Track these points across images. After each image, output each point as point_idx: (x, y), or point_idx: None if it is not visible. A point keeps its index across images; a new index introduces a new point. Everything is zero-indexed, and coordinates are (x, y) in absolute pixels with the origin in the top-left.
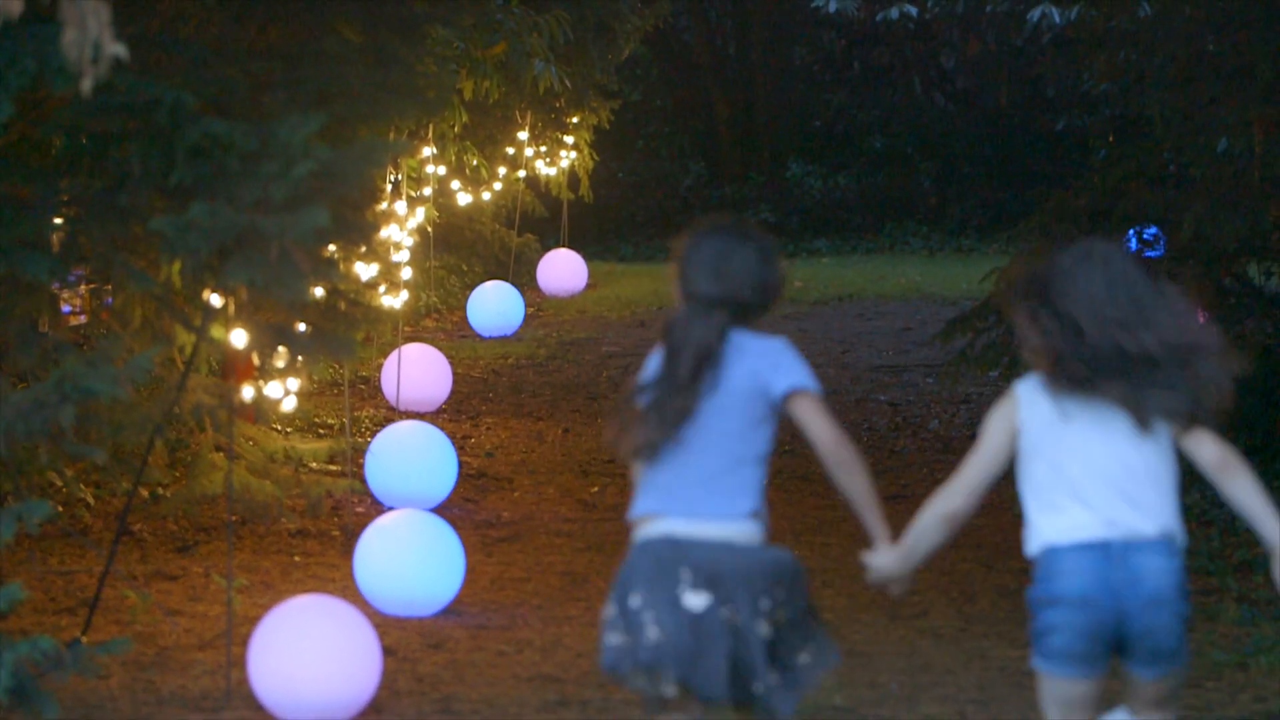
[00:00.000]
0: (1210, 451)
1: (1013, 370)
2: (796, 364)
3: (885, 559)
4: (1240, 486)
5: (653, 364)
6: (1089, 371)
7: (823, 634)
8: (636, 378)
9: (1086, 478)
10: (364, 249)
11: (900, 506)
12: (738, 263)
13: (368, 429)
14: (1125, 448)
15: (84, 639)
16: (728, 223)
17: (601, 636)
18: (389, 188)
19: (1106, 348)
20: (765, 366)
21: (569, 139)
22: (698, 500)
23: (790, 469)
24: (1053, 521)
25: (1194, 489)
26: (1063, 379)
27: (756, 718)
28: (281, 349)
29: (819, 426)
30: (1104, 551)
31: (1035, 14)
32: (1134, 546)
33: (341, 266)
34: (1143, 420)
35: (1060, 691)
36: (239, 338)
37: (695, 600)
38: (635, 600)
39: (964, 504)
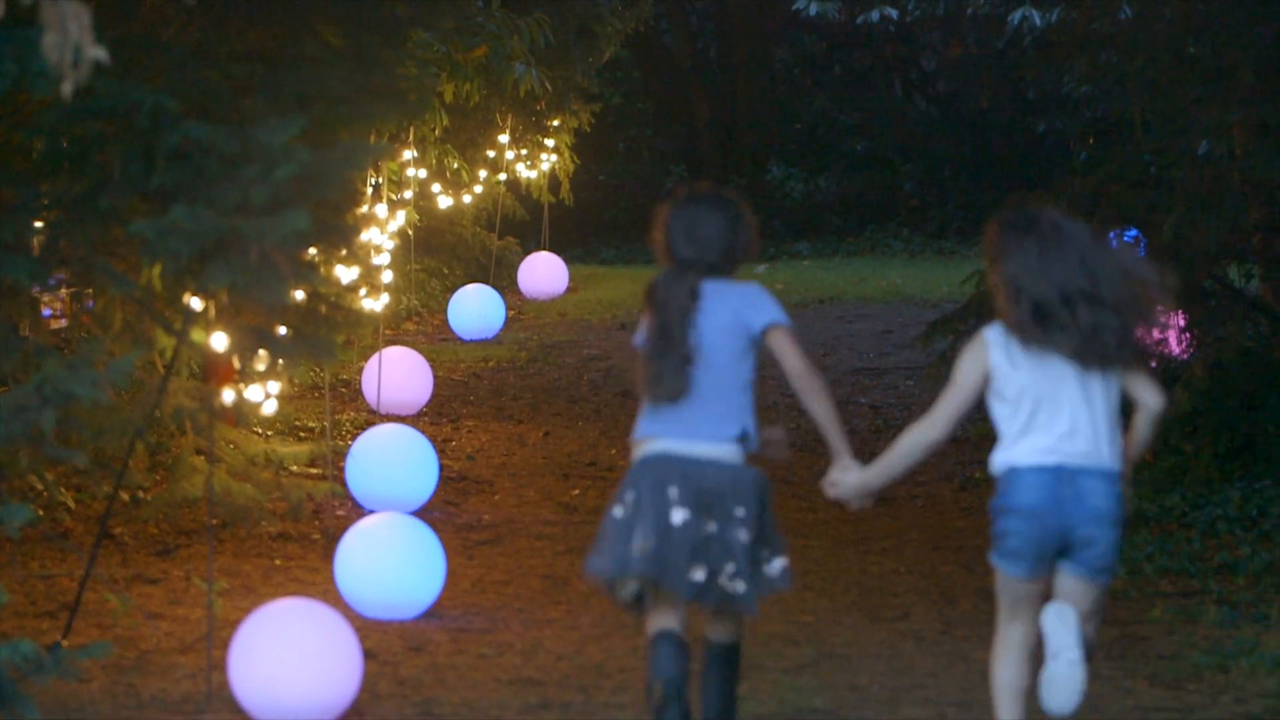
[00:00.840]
0: (1150, 397)
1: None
2: (771, 303)
3: (849, 475)
4: (1148, 435)
5: (644, 322)
6: (1046, 323)
7: (784, 550)
8: (637, 334)
9: (1044, 413)
10: (345, 252)
11: (881, 509)
12: (709, 229)
13: (348, 432)
14: (1076, 388)
15: (65, 642)
16: (702, 191)
17: (601, 545)
18: (370, 191)
19: (1060, 303)
20: (745, 306)
21: (550, 142)
22: (691, 424)
23: (771, 472)
24: (1015, 447)
25: (1175, 491)
26: (1024, 328)
27: (726, 614)
28: (262, 352)
29: (791, 356)
30: (1056, 474)
31: (1016, 16)
32: (1082, 471)
33: (322, 270)
34: (1090, 366)
35: (1010, 587)
36: (219, 341)
37: (678, 515)
38: (629, 513)
39: (942, 433)
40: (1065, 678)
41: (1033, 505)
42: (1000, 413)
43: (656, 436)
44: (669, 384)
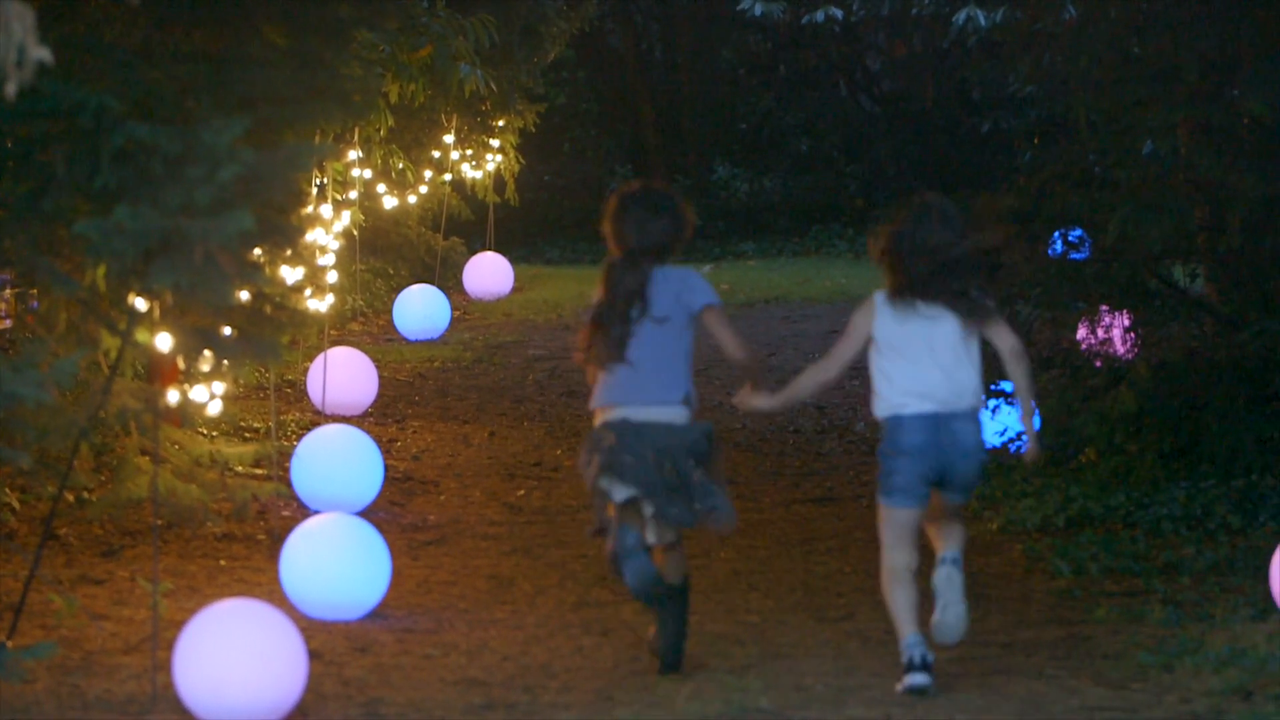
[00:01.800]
0: (1007, 340)
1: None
2: (707, 286)
3: (760, 398)
4: (1022, 371)
5: (596, 298)
6: (919, 290)
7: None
8: (589, 306)
9: (921, 365)
10: (289, 252)
11: (828, 509)
12: (656, 223)
13: (294, 432)
14: (946, 343)
15: (9, 643)
16: (647, 188)
17: (593, 471)
18: (315, 191)
19: (929, 274)
20: (685, 289)
21: (495, 142)
22: (643, 392)
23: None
24: (898, 396)
25: (1119, 491)
26: (901, 292)
27: (675, 552)
28: (207, 353)
29: (724, 330)
30: (934, 419)
31: (961, 16)
32: (954, 416)
33: (267, 270)
34: (956, 322)
35: (895, 518)
36: (164, 341)
37: (654, 464)
38: (614, 445)
39: (834, 374)
40: (955, 623)
41: (916, 446)
42: (881, 366)
43: (615, 404)
44: (605, 352)
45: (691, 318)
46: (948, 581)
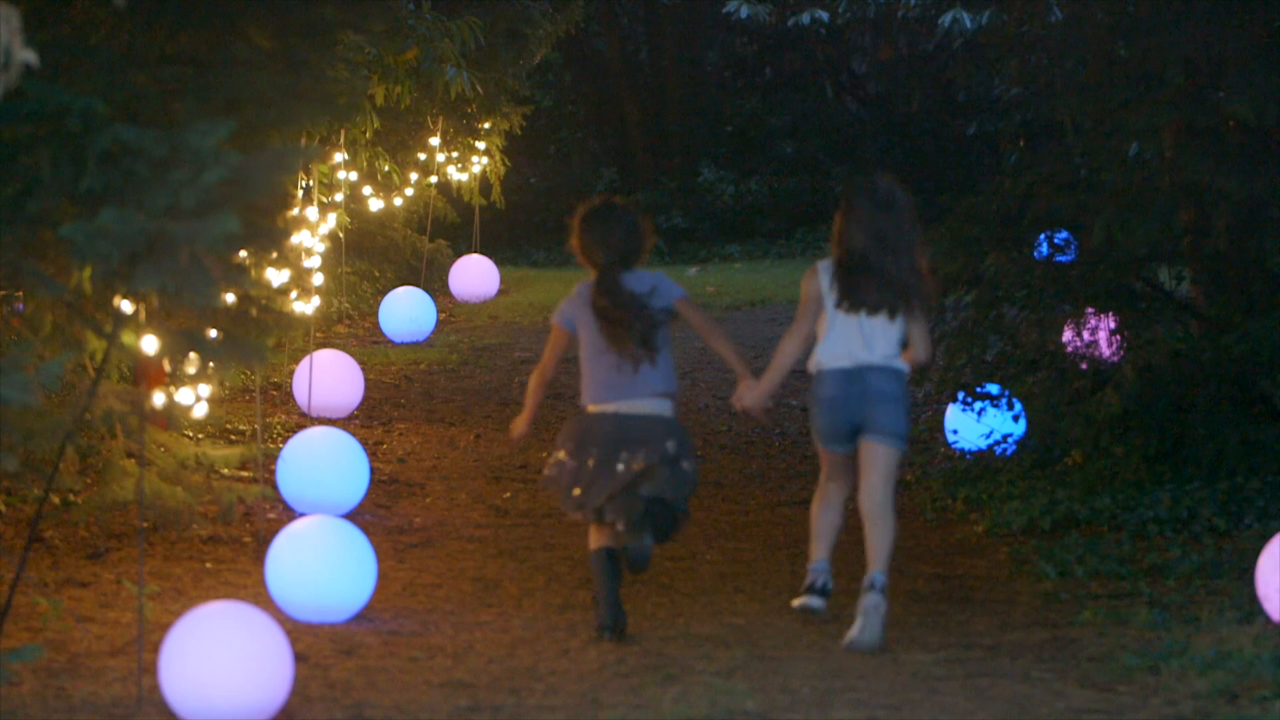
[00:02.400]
0: (921, 348)
1: (924, 375)
2: (674, 283)
3: (752, 392)
4: (917, 366)
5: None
6: (858, 265)
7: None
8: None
9: (846, 329)
10: (275, 255)
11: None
12: (619, 235)
13: (279, 435)
14: (871, 316)
15: None
16: (605, 205)
17: (559, 475)
18: (300, 194)
19: (868, 255)
20: (659, 289)
21: (481, 145)
22: (631, 389)
23: (703, 475)
24: (825, 355)
25: (1105, 493)
26: (842, 266)
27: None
28: (193, 355)
29: (696, 316)
30: (849, 374)
31: (946, 19)
32: (866, 369)
33: (253, 272)
34: (885, 302)
35: (828, 458)
36: (150, 344)
37: (621, 465)
38: (590, 461)
39: (806, 333)
40: (869, 643)
41: (831, 397)
42: (819, 327)
43: (608, 401)
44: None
45: (667, 312)
46: (874, 610)
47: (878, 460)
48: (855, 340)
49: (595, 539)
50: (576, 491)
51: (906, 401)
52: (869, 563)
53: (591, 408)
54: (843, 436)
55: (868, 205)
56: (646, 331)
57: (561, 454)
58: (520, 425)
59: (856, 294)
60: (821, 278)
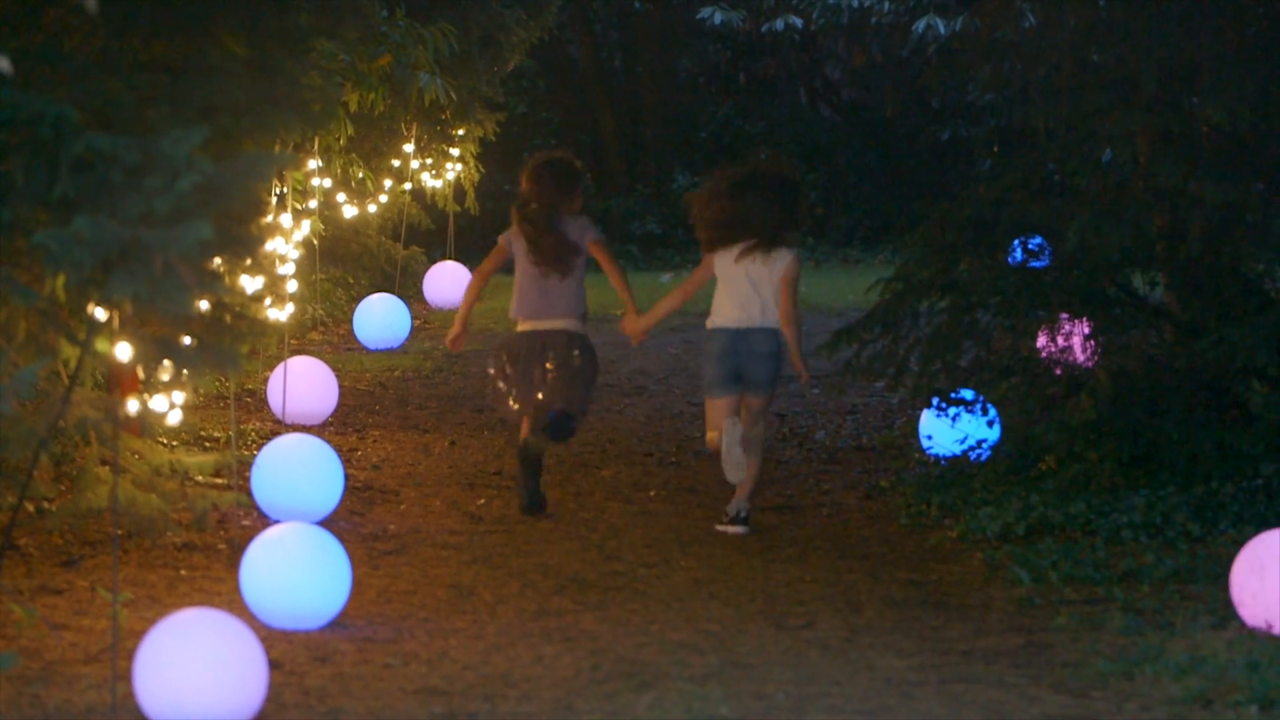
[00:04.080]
0: (788, 293)
1: (899, 380)
2: (595, 227)
3: (634, 320)
4: (789, 302)
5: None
6: (742, 240)
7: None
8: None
9: (736, 295)
10: (249, 262)
11: (787, 517)
12: (552, 184)
13: (254, 442)
14: (753, 283)
15: None
16: (552, 157)
17: (492, 383)
18: (274, 200)
19: (752, 228)
20: (580, 230)
21: (455, 151)
22: (549, 309)
23: (676, 480)
24: (718, 315)
25: (1079, 499)
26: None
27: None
28: (166, 362)
29: (605, 257)
30: (735, 332)
31: (920, 25)
32: (750, 331)
33: (226, 279)
34: (763, 270)
35: (713, 405)
36: (124, 351)
37: (546, 366)
38: (514, 368)
39: (687, 301)
40: (733, 461)
41: (720, 352)
42: (717, 292)
43: (530, 318)
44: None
45: (583, 250)
46: (730, 434)
47: (756, 404)
48: (743, 302)
49: (523, 432)
50: (514, 405)
51: (778, 353)
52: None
53: (520, 324)
54: (730, 385)
55: (745, 185)
56: (564, 260)
57: (492, 371)
58: (454, 330)
59: (746, 263)
60: (719, 257)
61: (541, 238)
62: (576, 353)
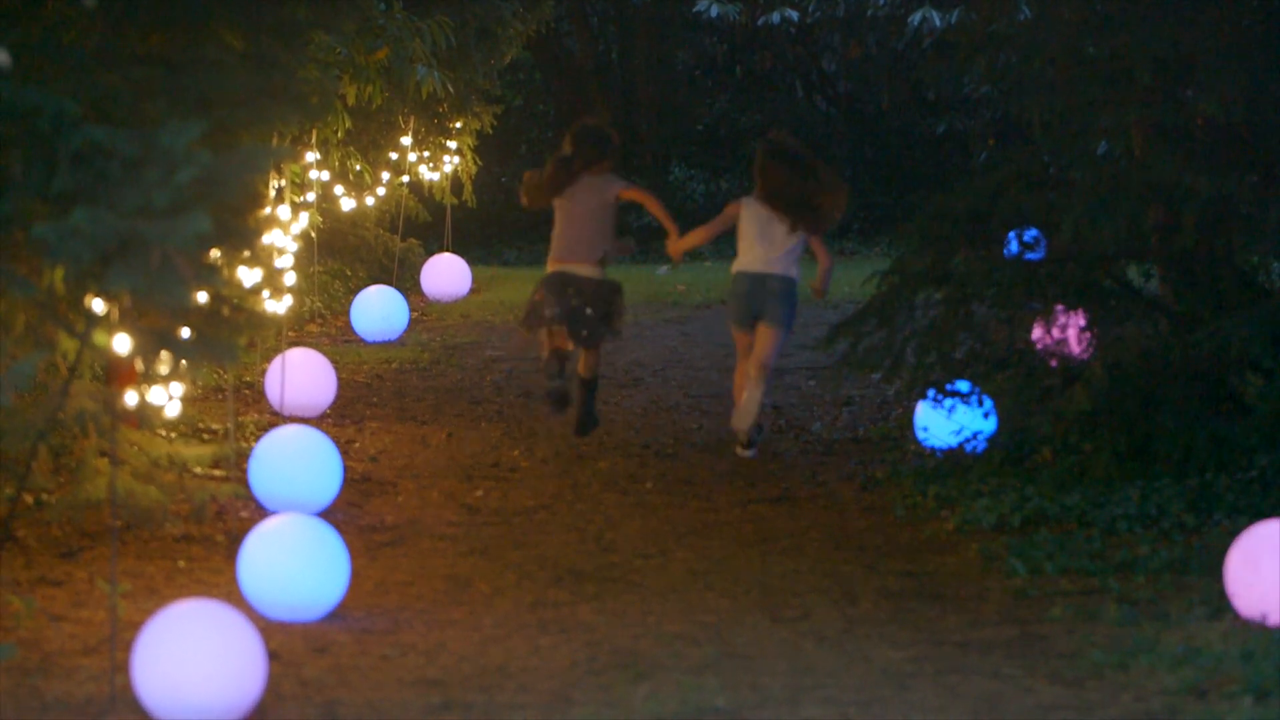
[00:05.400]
0: (818, 246)
1: (895, 372)
2: (622, 179)
3: (675, 242)
4: (822, 255)
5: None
6: (773, 199)
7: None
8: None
9: (758, 243)
10: (247, 254)
11: (783, 509)
12: (587, 143)
13: (252, 434)
14: (778, 236)
15: None
16: (592, 122)
17: (530, 312)
18: (272, 193)
19: (784, 189)
20: (607, 184)
21: (452, 144)
22: (576, 253)
23: (673, 473)
24: (741, 260)
25: (1075, 490)
26: (762, 200)
27: (592, 350)
28: (165, 354)
29: (636, 192)
30: (755, 276)
31: (916, 18)
32: (769, 276)
33: (224, 272)
34: (793, 226)
35: (736, 334)
36: (122, 343)
37: (576, 301)
38: (548, 297)
39: (715, 234)
40: (748, 411)
41: (743, 292)
42: (740, 240)
43: (560, 261)
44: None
45: (616, 199)
46: (752, 396)
47: (771, 337)
48: (765, 250)
49: (548, 345)
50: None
51: (793, 295)
52: None
53: (551, 265)
54: (749, 321)
55: (784, 156)
56: (589, 214)
57: (538, 296)
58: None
59: (769, 216)
60: (745, 208)
61: (550, 179)
62: (602, 302)
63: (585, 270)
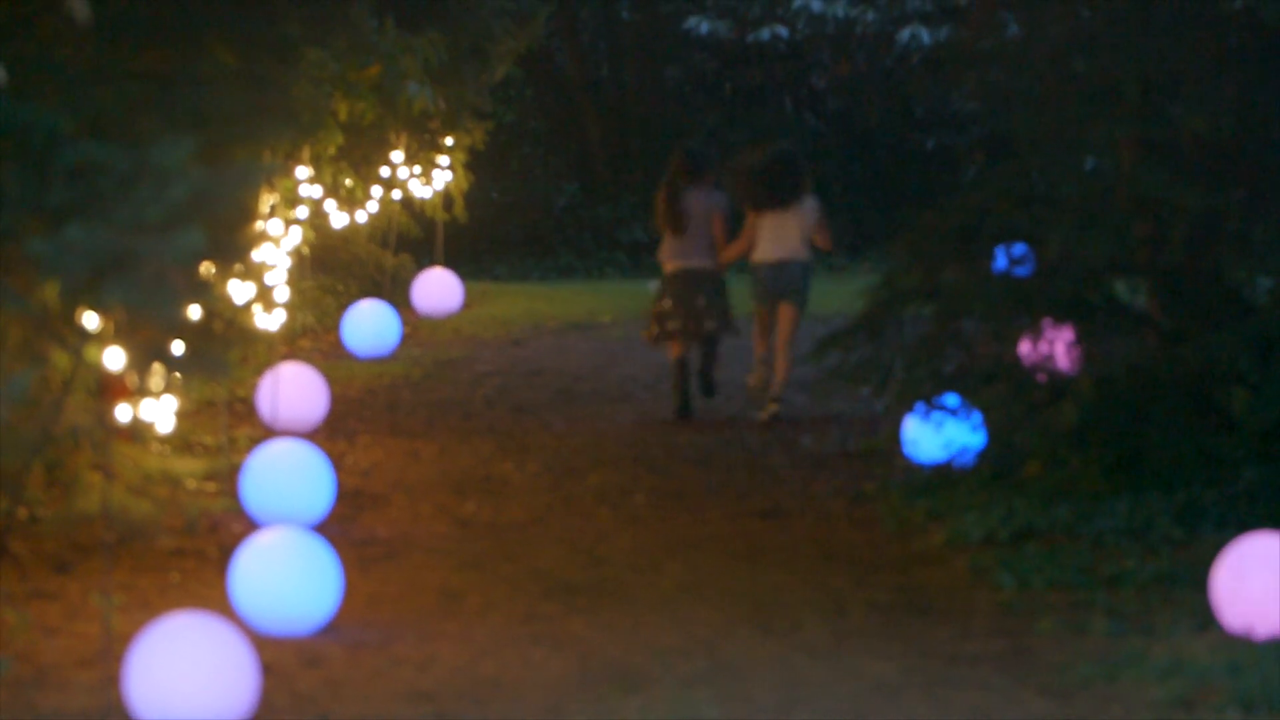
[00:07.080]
0: (820, 235)
1: (884, 386)
2: (720, 195)
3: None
4: (822, 240)
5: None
6: (778, 201)
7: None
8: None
9: (774, 236)
10: (240, 269)
11: (774, 523)
12: (688, 163)
13: (244, 448)
14: (790, 229)
15: None
16: (682, 147)
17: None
18: (265, 209)
19: (784, 191)
20: (708, 198)
21: (443, 160)
22: (691, 254)
23: (665, 486)
24: (759, 252)
25: (1063, 504)
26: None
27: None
28: (158, 369)
29: (718, 226)
30: (775, 265)
31: (905, 34)
32: (785, 263)
33: (217, 287)
34: (800, 221)
35: (759, 311)
36: (115, 358)
37: (701, 300)
38: (668, 302)
39: (748, 248)
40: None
41: (765, 278)
42: (758, 238)
43: (675, 260)
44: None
45: (717, 213)
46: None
47: (790, 313)
48: (780, 242)
49: (673, 352)
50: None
51: (808, 279)
52: None
53: (667, 265)
54: (768, 299)
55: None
56: (697, 221)
57: (665, 304)
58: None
59: (779, 212)
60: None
61: (668, 206)
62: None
63: (701, 265)
